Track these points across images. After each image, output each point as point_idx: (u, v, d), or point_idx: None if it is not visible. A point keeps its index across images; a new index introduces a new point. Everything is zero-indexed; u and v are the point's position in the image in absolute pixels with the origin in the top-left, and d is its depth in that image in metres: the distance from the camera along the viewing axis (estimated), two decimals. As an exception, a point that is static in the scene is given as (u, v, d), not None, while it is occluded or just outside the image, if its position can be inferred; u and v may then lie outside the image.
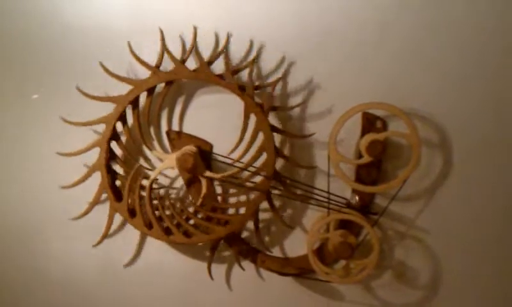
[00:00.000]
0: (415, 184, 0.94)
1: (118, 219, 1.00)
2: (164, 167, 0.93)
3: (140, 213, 0.94)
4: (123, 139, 0.96)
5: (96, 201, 0.97)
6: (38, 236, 1.07)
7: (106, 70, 0.93)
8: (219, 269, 1.03)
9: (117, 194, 0.96)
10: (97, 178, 0.95)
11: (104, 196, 0.97)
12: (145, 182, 0.95)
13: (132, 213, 0.95)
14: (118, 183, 0.97)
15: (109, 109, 0.93)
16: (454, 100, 0.91)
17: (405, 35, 0.90)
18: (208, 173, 0.93)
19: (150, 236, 0.96)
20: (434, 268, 0.98)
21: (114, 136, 0.95)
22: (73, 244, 1.05)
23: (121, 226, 1.02)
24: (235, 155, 0.93)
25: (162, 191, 0.99)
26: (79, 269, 1.07)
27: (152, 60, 0.92)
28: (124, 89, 0.92)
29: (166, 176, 1.00)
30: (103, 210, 0.98)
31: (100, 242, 1.00)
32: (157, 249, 1.02)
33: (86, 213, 0.99)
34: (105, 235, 0.99)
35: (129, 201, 0.95)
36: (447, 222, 0.95)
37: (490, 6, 0.88)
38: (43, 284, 1.09)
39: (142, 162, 1.00)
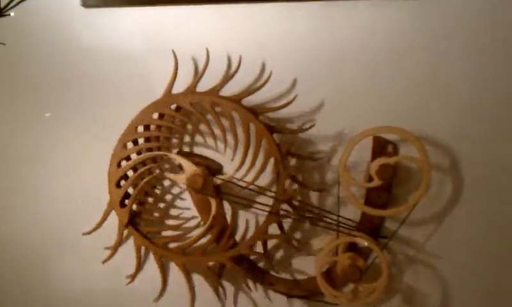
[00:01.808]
0: (425, 208, 0.93)
1: (129, 238, 1.00)
2: (174, 178, 0.94)
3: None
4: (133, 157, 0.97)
5: (119, 243, 1.00)
6: (50, 256, 1.07)
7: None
8: (226, 290, 1.03)
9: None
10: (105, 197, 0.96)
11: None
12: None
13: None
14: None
15: (121, 129, 0.94)
16: (464, 125, 0.91)
17: (416, 61, 0.91)
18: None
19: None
20: (444, 293, 0.97)
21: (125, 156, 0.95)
22: (85, 264, 1.06)
23: (132, 246, 1.02)
24: (245, 176, 0.94)
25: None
26: (91, 288, 1.07)
27: (164, 80, 0.93)
28: (136, 109, 0.93)
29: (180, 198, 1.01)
30: (114, 229, 0.98)
31: (134, 277, 1.02)
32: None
33: (112, 255, 1.01)
34: (138, 270, 1.01)
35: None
36: (457, 247, 0.95)
37: (502, 33, 0.89)
38: (56, 304, 1.09)
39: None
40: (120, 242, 0.99)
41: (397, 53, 0.91)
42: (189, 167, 0.91)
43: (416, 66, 0.91)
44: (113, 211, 0.96)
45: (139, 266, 1.01)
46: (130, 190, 0.96)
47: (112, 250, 1.00)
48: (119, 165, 0.95)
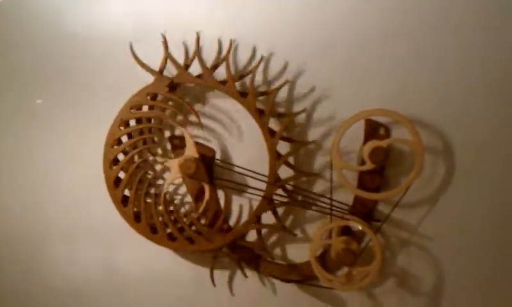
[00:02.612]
0: (418, 191, 0.93)
1: (123, 225, 0.99)
2: (172, 178, 0.93)
3: (145, 219, 0.95)
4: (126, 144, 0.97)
5: None
6: (43, 244, 1.07)
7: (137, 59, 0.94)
8: (221, 275, 1.03)
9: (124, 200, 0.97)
10: (101, 182, 0.96)
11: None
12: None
13: (137, 218, 0.96)
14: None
15: (113, 114, 0.94)
16: (456, 107, 0.91)
17: (407, 42, 0.90)
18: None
19: (153, 243, 0.96)
20: (437, 276, 0.97)
21: (117, 142, 0.95)
22: (79, 252, 1.06)
23: (126, 233, 1.02)
24: (238, 161, 0.93)
25: (166, 197, 0.99)
26: (84, 277, 1.07)
27: (156, 66, 0.92)
28: (127, 94, 0.93)
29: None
30: (109, 218, 0.98)
31: None
32: (160, 255, 1.02)
33: None
34: None
35: (134, 208, 0.95)
36: (450, 229, 0.95)
37: (494, 11, 0.88)
38: (48, 291, 1.09)
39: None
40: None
41: (387, 34, 0.90)
42: (175, 163, 0.91)
43: (408, 47, 0.90)
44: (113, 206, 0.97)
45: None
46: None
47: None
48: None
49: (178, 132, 0.98)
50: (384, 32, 0.90)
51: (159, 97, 0.94)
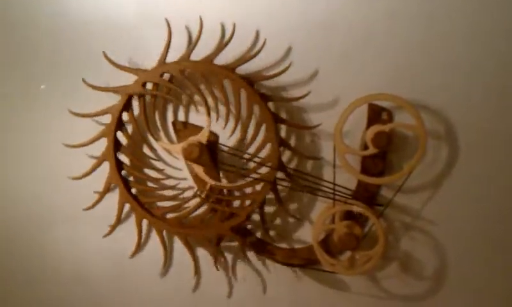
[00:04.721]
0: (421, 175, 0.93)
1: (128, 210, 1.00)
2: (169, 147, 0.94)
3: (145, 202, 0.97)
4: (129, 129, 0.97)
5: (105, 191, 0.97)
6: (46, 228, 1.07)
7: (110, 61, 0.93)
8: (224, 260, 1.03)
9: (125, 183, 0.97)
10: (105, 169, 0.96)
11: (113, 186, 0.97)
12: (150, 172, 0.97)
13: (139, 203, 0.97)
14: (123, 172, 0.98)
15: (115, 99, 0.94)
16: (460, 92, 0.90)
17: (411, 26, 0.89)
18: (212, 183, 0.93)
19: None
20: (440, 260, 0.97)
21: (120, 126, 0.95)
22: (83, 236, 1.06)
23: (131, 218, 1.02)
24: (241, 146, 0.93)
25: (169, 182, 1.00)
26: (88, 261, 1.08)
27: (159, 51, 0.92)
28: (129, 79, 0.93)
29: (173, 167, 1.00)
30: (112, 200, 0.99)
31: (110, 233, 1.01)
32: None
33: (96, 204, 0.99)
34: (116, 225, 1.00)
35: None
36: (453, 214, 0.95)
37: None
38: (52, 276, 1.10)
39: (147, 151, 1.00)
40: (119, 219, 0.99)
41: (390, 17, 0.89)
42: (177, 146, 0.91)
43: (411, 30, 0.90)
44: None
45: (140, 240, 1.01)
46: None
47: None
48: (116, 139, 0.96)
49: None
50: (386, 16, 0.90)
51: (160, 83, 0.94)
